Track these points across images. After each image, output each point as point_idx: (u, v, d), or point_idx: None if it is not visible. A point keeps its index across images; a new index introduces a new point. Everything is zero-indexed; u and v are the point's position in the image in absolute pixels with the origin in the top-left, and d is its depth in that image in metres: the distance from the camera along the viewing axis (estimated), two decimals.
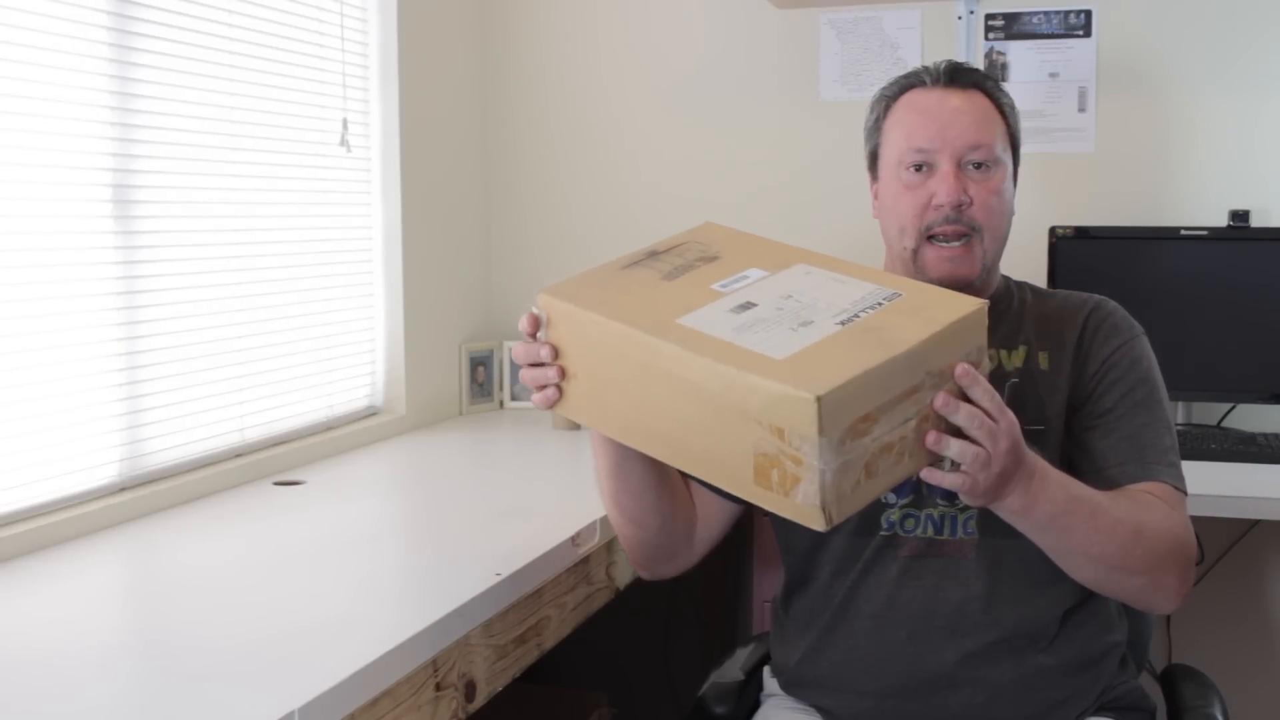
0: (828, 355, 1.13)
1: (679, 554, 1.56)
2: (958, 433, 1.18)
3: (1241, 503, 1.97)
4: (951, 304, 1.22)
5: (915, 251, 1.49)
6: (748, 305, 1.23)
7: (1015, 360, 1.51)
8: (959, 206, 1.46)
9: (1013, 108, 1.56)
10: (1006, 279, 1.60)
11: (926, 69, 1.54)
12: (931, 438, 1.17)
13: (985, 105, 1.52)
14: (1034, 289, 1.60)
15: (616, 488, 1.47)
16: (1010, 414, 1.22)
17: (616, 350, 1.23)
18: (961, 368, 1.18)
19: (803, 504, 1.11)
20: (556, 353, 1.29)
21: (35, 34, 1.68)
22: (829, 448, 1.08)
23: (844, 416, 1.09)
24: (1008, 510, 1.28)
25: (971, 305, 1.22)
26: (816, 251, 1.34)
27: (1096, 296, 1.56)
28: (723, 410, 1.14)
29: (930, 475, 1.19)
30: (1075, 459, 1.47)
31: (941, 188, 1.46)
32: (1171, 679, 1.62)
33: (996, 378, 1.49)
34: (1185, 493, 1.45)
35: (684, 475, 1.51)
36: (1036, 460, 1.27)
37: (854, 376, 1.09)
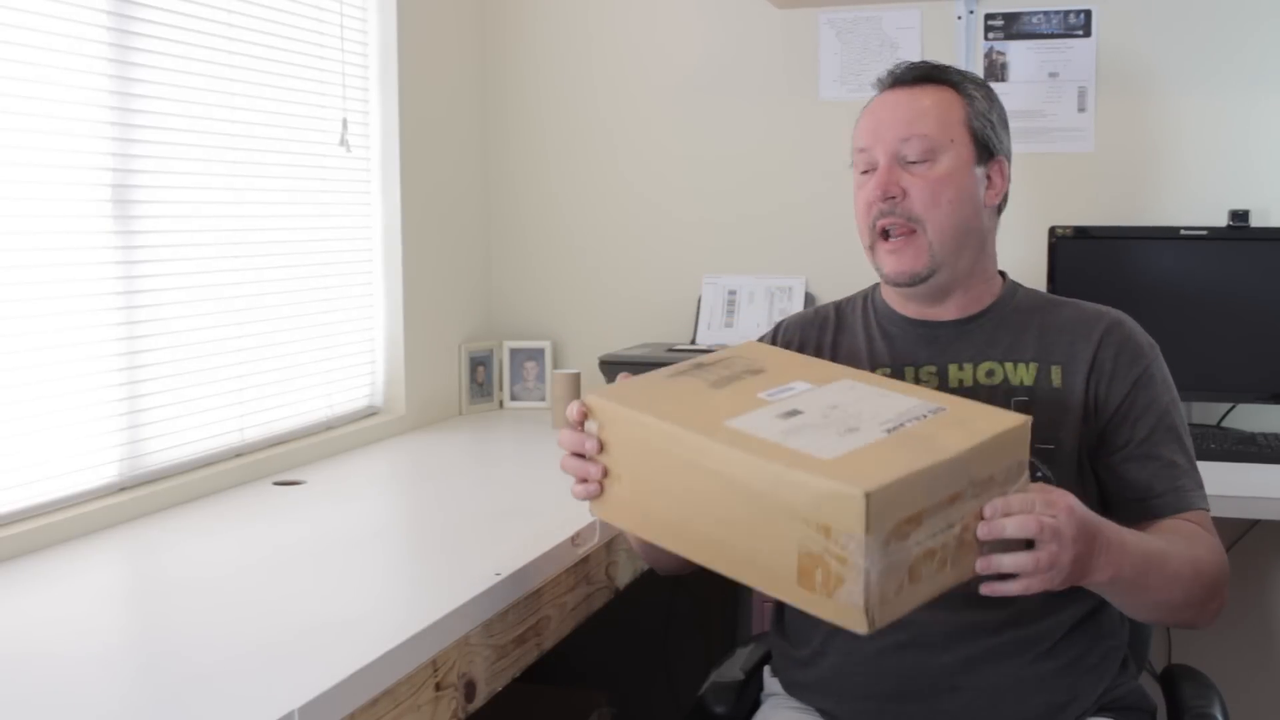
0: (875, 457, 1.15)
1: None
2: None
3: (1241, 503, 1.97)
4: (995, 418, 1.24)
5: (871, 249, 1.53)
6: (794, 413, 1.25)
7: (1025, 376, 1.49)
8: (890, 199, 1.47)
9: (983, 96, 1.52)
10: (1014, 283, 1.58)
11: (880, 78, 1.56)
12: (981, 563, 1.19)
13: (933, 96, 1.50)
14: (1043, 296, 1.58)
15: (653, 555, 1.54)
16: (1063, 493, 1.22)
17: (663, 451, 1.24)
18: (983, 528, 1.18)
19: (845, 604, 1.12)
20: (602, 447, 1.30)
21: (35, 34, 1.68)
22: (875, 546, 1.09)
23: (890, 515, 1.10)
24: (1094, 585, 1.29)
25: (1015, 420, 1.24)
26: (861, 370, 1.40)
27: (1111, 312, 1.53)
28: (769, 509, 1.16)
29: (993, 589, 1.20)
30: (1113, 489, 1.47)
31: (872, 182, 1.49)
32: (1171, 679, 1.62)
33: (1002, 392, 1.48)
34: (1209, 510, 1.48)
35: None
36: (1107, 527, 1.27)
37: (901, 477, 1.11)
